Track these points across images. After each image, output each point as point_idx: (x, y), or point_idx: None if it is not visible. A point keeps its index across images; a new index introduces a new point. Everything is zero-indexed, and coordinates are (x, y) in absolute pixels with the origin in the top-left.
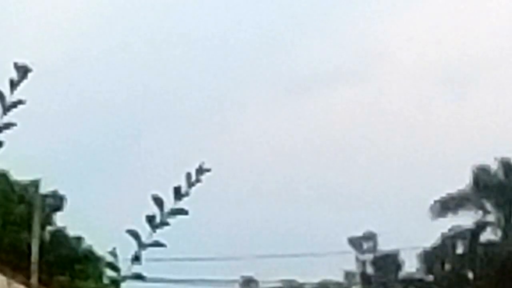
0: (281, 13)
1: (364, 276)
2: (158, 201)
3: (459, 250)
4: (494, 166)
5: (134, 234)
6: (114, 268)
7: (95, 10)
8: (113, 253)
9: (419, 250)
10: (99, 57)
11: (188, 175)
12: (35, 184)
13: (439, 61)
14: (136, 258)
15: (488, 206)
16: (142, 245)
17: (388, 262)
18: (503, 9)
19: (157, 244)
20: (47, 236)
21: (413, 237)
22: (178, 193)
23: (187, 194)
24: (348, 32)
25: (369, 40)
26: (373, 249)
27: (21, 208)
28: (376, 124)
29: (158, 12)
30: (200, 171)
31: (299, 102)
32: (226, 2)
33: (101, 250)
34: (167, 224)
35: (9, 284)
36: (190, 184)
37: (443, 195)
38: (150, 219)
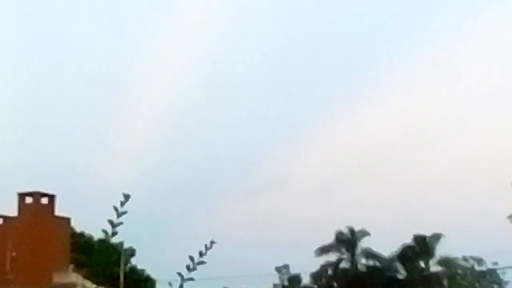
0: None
1: (283, 286)
2: (191, 258)
3: (329, 272)
4: (345, 230)
5: (180, 275)
6: None
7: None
8: (169, 284)
9: (310, 273)
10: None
11: (206, 246)
12: (121, 243)
13: (315, 177)
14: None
15: (343, 250)
16: (183, 280)
17: (295, 279)
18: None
19: (190, 279)
20: (127, 269)
21: (308, 266)
22: (200, 254)
23: (205, 253)
24: (267, 160)
25: (279, 167)
26: (288, 272)
27: (116, 256)
28: (286, 214)
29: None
30: (211, 243)
31: (248, 203)
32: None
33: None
34: (195, 269)
35: None
36: (207, 249)
37: (321, 245)
38: (188, 266)
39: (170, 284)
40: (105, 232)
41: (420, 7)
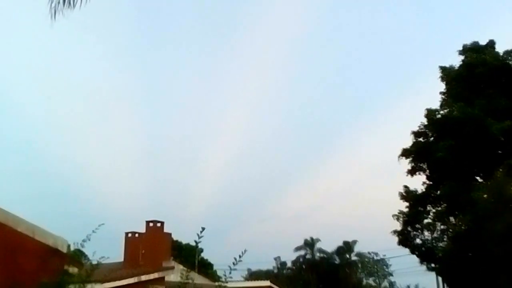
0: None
1: (277, 267)
2: (235, 258)
3: (301, 260)
4: (308, 238)
5: (229, 267)
6: None
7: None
8: (229, 267)
9: (291, 261)
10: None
11: (242, 252)
12: (197, 245)
13: (295, 209)
14: None
15: (307, 248)
16: (231, 269)
17: (283, 264)
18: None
19: (234, 269)
20: (199, 259)
21: (290, 257)
22: (240, 256)
23: (242, 256)
24: (270, 199)
25: (276, 204)
26: (279, 260)
27: (194, 251)
28: (279, 230)
29: None
30: (245, 251)
31: (261, 225)
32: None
33: (214, 262)
34: (237, 263)
35: None
36: (243, 254)
37: (296, 246)
38: (233, 263)
39: (229, 267)
40: (194, 244)
41: None
